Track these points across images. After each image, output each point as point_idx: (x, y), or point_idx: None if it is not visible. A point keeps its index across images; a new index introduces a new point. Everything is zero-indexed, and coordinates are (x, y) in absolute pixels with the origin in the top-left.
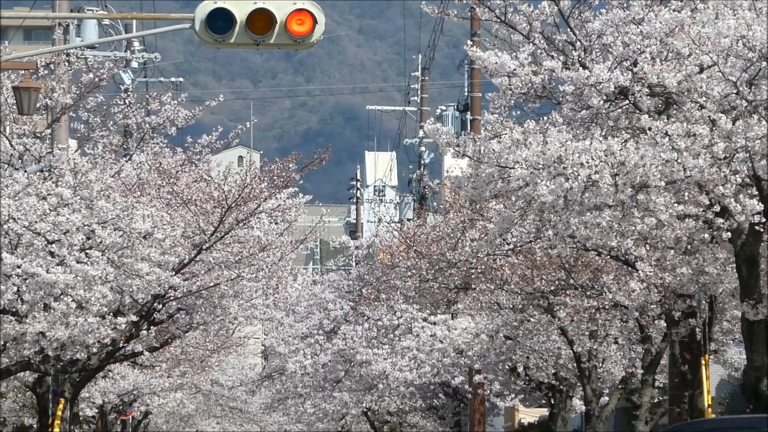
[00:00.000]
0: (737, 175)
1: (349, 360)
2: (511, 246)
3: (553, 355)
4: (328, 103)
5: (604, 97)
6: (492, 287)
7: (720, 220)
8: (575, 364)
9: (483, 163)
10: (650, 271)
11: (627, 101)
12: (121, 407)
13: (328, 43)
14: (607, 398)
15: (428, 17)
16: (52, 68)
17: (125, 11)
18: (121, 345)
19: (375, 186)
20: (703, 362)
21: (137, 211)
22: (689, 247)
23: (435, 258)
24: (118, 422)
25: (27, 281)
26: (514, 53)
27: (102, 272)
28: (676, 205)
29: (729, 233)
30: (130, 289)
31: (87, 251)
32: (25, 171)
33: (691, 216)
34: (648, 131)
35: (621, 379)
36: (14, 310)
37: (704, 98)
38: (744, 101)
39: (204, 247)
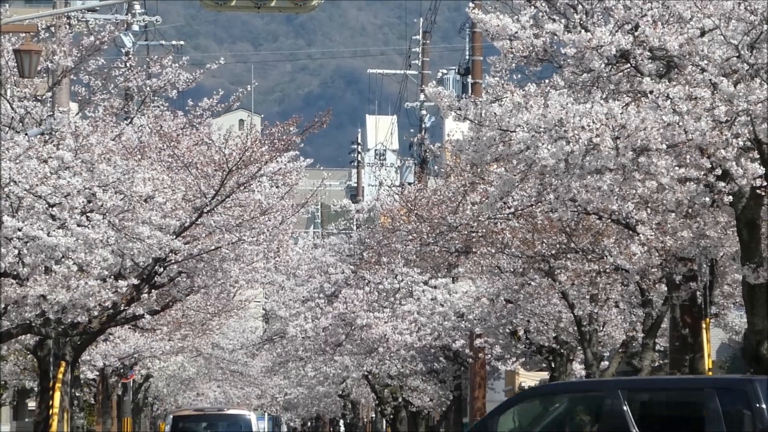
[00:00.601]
0: (739, 139)
1: (350, 323)
2: (512, 209)
3: (554, 318)
4: (329, 67)
5: (606, 61)
6: (493, 251)
7: (721, 184)
8: (576, 328)
9: (484, 127)
10: (651, 235)
11: (628, 64)
12: (122, 370)
13: (329, 6)
14: (607, 362)
15: None
16: (53, 31)
17: None
18: (122, 308)
19: (376, 150)
20: (703, 326)
21: (138, 174)
22: (690, 210)
23: (436, 221)
24: (119, 385)
25: (28, 244)
26: (516, 16)
27: (103, 235)
28: (677, 168)
29: (730, 197)
30: (131, 253)
31: (88, 214)
32: (26, 134)
33: (692, 179)
34: (649, 94)
35: (621, 343)
36: (15, 273)
37: (706, 61)
38: (745, 65)
39: (205, 210)
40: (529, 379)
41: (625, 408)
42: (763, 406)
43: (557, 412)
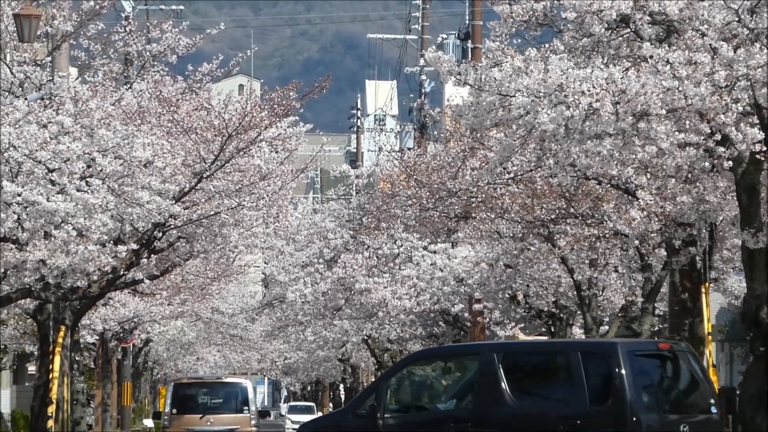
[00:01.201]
0: (738, 104)
1: (349, 288)
2: (512, 175)
3: (553, 283)
4: (328, 32)
5: (606, 25)
6: (492, 216)
7: (721, 149)
8: (575, 293)
9: (484, 92)
10: (651, 200)
11: (628, 29)
12: (121, 335)
13: None
14: (607, 326)
15: None
16: None
17: None
18: (121, 273)
19: (375, 115)
20: (703, 290)
21: (138, 139)
22: (690, 175)
23: (435, 187)
24: (119, 349)
25: (27, 209)
26: None
27: (102, 200)
28: (677, 133)
29: (730, 162)
30: (131, 218)
31: (87, 179)
32: (26, 99)
33: (692, 144)
34: (649, 59)
35: (621, 308)
36: (15, 238)
37: (706, 26)
38: (745, 29)
39: (204, 175)
40: None
41: (499, 369)
42: (623, 371)
43: (442, 374)
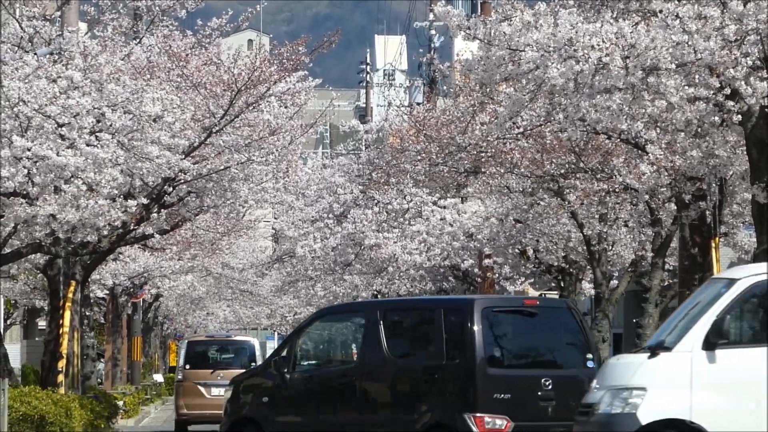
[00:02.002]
0: (748, 58)
1: (359, 243)
2: (522, 129)
3: (563, 238)
4: None
5: None
6: (502, 171)
7: (730, 103)
8: (585, 247)
9: (493, 46)
10: (660, 154)
11: None
12: (131, 290)
13: None
14: (616, 281)
15: None
16: None
17: None
18: (131, 227)
19: (385, 70)
20: (713, 245)
21: (147, 94)
22: (699, 129)
23: (445, 142)
24: (129, 305)
25: (37, 164)
26: None
27: (112, 155)
28: (686, 87)
29: (739, 116)
30: (141, 172)
31: (97, 134)
32: (36, 54)
33: (701, 99)
34: (659, 13)
35: (631, 262)
36: (25, 192)
37: None
38: None
39: (214, 130)
40: None
41: (380, 325)
42: (476, 327)
43: (342, 330)
